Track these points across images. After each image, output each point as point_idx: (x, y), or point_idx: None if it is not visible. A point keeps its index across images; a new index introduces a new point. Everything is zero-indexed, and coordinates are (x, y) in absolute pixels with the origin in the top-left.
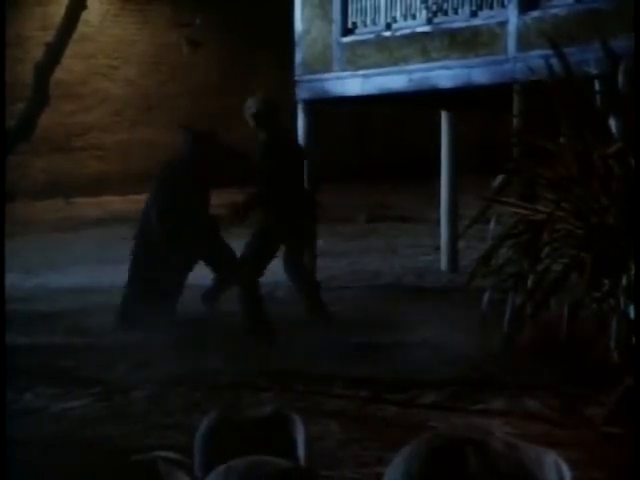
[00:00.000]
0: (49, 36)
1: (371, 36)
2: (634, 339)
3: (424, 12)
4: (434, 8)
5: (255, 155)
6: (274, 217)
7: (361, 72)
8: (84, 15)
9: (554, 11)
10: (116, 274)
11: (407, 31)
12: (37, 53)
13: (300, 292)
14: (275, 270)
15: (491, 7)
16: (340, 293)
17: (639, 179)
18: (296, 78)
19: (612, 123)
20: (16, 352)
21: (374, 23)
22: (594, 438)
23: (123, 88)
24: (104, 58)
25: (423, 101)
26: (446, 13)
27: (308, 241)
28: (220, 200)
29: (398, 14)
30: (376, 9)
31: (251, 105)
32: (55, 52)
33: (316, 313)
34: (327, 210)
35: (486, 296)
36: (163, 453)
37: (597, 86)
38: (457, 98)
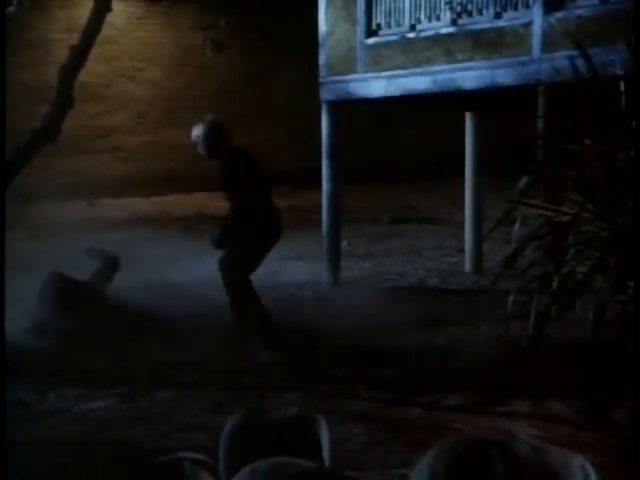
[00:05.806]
0: (73, 39)
1: (395, 37)
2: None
3: (448, 13)
4: (458, 9)
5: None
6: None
7: (385, 73)
8: (109, 18)
9: (579, 12)
10: (137, 275)
11: (431, 32)
12: (62, 55)
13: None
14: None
15: (515, 8)
16: (363, 294)
17: (639, 179)
18: (320, 79)
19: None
20: (39, 353)
21: (398, 24)
22: (618, 441)
23: (147, 90)
24: (128, 60)
25: (447, 102)
26: (470, 14)
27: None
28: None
29: (422, 15)
30: (400, 10)
31: (199, 134)
32: (80, 55)
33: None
34: (351, 211)
35: (511, 298)
36: (188, 454)
37: (622, 87)
38: (481, 99)
